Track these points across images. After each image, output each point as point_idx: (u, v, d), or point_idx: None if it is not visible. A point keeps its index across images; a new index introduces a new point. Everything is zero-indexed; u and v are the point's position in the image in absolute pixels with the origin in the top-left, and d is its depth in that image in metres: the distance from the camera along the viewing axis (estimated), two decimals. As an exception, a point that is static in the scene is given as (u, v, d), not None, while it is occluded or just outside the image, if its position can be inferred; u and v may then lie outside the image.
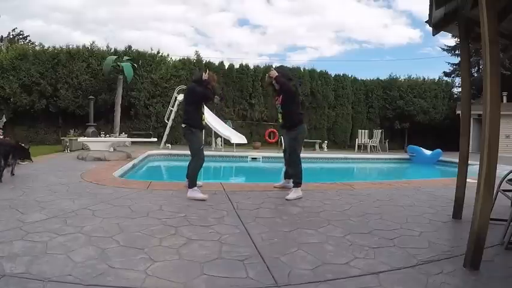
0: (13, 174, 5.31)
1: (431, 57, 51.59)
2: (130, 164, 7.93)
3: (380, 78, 20.17)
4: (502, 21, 3.07)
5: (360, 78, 19.74)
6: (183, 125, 4.52)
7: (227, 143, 13.48)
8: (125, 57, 15.02)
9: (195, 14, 48.67)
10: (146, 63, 16.15)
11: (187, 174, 4.63)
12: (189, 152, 4.57)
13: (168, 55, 17.33)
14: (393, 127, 19.12)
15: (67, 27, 43.98)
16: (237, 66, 17.71)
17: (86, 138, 10.20)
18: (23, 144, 5.81)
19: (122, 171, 6.79)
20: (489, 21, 2.22)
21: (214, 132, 13.34)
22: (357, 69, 65.24)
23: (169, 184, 5.29)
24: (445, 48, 23.75)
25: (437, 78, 20.99)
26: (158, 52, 16.93)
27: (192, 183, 4.28)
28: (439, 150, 11.97)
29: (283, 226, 3.24)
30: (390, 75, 20.34)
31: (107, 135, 11.64)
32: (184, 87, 13.64)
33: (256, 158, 12.15)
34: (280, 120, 4.71)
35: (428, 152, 12.02)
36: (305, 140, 19.79)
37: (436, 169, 11.49)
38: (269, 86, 4.65)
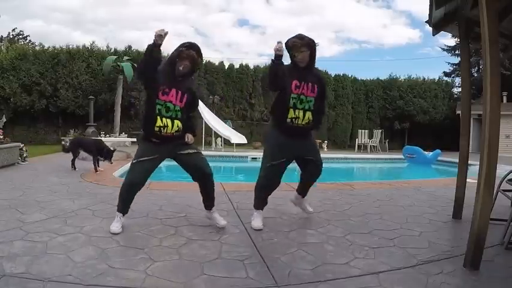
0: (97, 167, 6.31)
1: (431, 57, 51.70)
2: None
3: (380, 78, 20.20)
4: (502, 21, 3.07)
5: (359, 78, 19.77)
6: None
7: (227, 143, 13.49)
8: (125, 57, 15.02)
9: (195, 14, 48.77)
10: (146, 63, 16.13)
11: None
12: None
13: (168, 55, 17.33)
14: (393, 127, 19.13)
15: (67, 27, 44.11)
16: (237, 66, 17.72)
17: (86, 138, 10.19)
18: (111, 148, 6.81)
19: (122, 171, 6.79)
20: (489, 21, 2.22)
21: (214, 132, 13.34)
22: (356, 69, 65.40)
23: (169, 184, 5.29)
24: (445, 48, 23.71)
25: (437, 78, 21.06)
26: (158, 52, 16.93)
27: (120, 206, 3.03)
28: (438, 150, 11.88)
29: (283, 226, 3.23)
30: (390, 75, 20.37)
31: (107, 135, 11.65)
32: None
33: (256, 158, 12.13)
34: (301, 121, 3.04)
35: (428, 153, 11.90)
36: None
37: (436, 169, 11.48)
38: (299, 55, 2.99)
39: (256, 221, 3.13)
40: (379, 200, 4.51)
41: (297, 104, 3.01)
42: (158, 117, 2.79)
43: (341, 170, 11.79)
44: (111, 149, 6.64)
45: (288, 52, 3.02)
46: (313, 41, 3.02)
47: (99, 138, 8.45)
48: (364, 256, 2.52)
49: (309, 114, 3.05)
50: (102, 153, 6.42)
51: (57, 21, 44.22)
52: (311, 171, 3.31)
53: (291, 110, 3.00)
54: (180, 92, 2.85)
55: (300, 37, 3.00)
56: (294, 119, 3.01)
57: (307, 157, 3.20)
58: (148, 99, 2.90)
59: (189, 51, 2.81)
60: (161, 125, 2.80)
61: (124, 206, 2.98)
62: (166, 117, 2.80)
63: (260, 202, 3.26)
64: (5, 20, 42.00)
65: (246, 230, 3.08)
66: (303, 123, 3.04)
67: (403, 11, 50.72)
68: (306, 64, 3.03)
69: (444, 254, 2.57)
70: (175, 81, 2.85)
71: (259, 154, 12.43)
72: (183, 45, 2.83)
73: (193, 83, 3.01)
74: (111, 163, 6.65)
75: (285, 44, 2.96)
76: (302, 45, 2.97)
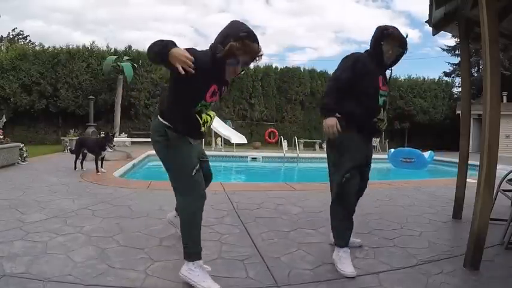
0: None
1: (431, 57, 51.71)
2: (130, 164, 7.94)
3: (380, 78, 20.16)
4: (502, 21, 3.07)
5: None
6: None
7: (227, 143, 13.49)
8: (125, 57, 15.02)
9: (195, 15, 48.86)
10: (146, 63, 16.15)
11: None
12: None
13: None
14: (393, 127, 19.13)
15: (67, 27, 44.17)
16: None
17: (86, 138, 10.18)
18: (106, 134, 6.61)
19: (122, 171, 6.80)
20: (489, 21, 2.22)
21: (214, 132, 13.34)
22: (356, 69, 65.13)
23: (169, 184, 5.30)
24: (445, 48, 23.79)
25: (437, 78, 21.08)
26: (158, 52, 16.95)
27: (191, 251, 2.03)
28: (431, 151, 11.24)
29: (283, 226, 3.23)
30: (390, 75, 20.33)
31: (107, 135, 11.62)
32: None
33: (256, 158, 12.15)
34: (382, 123, 2.51)
35: (426, 155, 11.23)
36: (305, 140, 19.50)
37: (435, 169, 11.45)
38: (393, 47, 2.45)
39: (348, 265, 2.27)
40: (379, 200, 4.51)
41: (384, 103, 2.50)
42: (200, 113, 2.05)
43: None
44: (110, 134, 6.49)
45: (379, 40, 2.47)
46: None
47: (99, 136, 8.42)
48: (364, 256, 2.52)
49: (386, 120, 2.57)
50: (108, 138, 6.17)
51: (58, 22, 44.36)
52: (362, 185, 2.65)
53: (382, 110, 2.46)
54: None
55: (402, 35, 2.48)
56: (380, 121, 2.47)
57: (368, 165, 2.67)
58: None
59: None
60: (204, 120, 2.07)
61: (198, 243, 2.05)
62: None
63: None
64: (5, 20, 42.09)
65: (246, 230, 3.08)
66: (384, 127, 2.55)
67: (403, 11, 50.93)
68: (390, 62, 2.54)
69: (444, 254, 2.57)
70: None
71: (259, 154, 12.47)
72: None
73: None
74: (113, 145, 6.48)
75: (381, 29, 2.47)
76: (403, 41, 2.46)
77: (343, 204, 2.40)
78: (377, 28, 2.51)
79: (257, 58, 1.95)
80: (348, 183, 2.36)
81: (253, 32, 1.89)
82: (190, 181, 2.03)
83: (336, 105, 2.38)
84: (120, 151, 9.42)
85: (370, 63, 2.44)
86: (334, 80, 2.43)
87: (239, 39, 1.83)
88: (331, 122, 2.33)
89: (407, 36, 2.48)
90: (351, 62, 2.42)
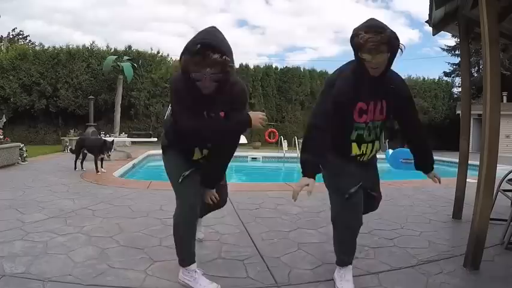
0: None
1: (431, 57, 51.70)
2: (130, 164, 7.95)
3: (380, 78, 20.16)
4: (502, 21, 3.07)
5: (360, 78, 19.74)
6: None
7: (227, 143, 13.47)
8: (125, 57, 15.03)
9: (194, 15, 48.84)
10: (146, 63, 16.19)
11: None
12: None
13: (168, 55, 17.38)
14: (393, 127, 19.12)
15: (68, 27, 44.18)
16: (236, 66, 17.72)
17: (86, 138, 10.18)
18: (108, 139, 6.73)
19: (122, 171, 6.80)
20: (489, 21, 2.22)
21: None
22: (357, 69, 65.20)
23: (169, 184, 5.30)
24: (445, 48, 23.75)
25: (437, 78, 21.05)
26: (158, 52, 17.00)
27: (182, 257, 2.05)
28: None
29: (283, 226, 3.24)
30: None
31: (107, 135, 11.64)
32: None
33: (256, 158, 12.15)
34: (365, 156, 2.05)
35: None
36: (305, 140, 19.65)
37: (436, 169, 11.38)
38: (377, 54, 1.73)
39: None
40: (379, 200, 4.51)
41: (363, 136, 1.97)
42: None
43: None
44: (110, 139, 6.54)
45: (355, 50, 1.80)
46: (396, 37, 1.76)
47: (100, 137, 8.44)
48: (364, 256, 2.52)
49: (377, 145, 2.08)
50: (106, 147, 6.16)
51: (58, 22, 44.38)
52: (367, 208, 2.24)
53: (355, 145, 1.98)
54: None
55: (377, 29, 1.73)
56: (360, 156, 2.03)
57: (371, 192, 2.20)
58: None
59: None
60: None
61: (190, 249, 2.06)
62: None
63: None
64: (5, 20, 42.16)
65: (246, 230, 3.08)
66: (369, 157, 2.09)
67: (403, 12, 50.97)
68: (380, 73, 1.82)
69: (444, 254, 2.57)
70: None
71: (259, 154, 12.46)
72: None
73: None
74: (109, 154, 6.38)
75: (352, 36, 1.79)
76: (381, 44, 1.72)
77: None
78: (353, 31, 1.81)
79: (227, 68, 1.69)
80: (346, 215, 2.01)
81: (211, 43, 1.66)
82: (179, 188, 2.07)
83: (317, 157, 1.90)
84: (120, 151, 9.42)
85: (349, 83, 1.85)
86: (313, 129, 1.89)
87: (193, 53, 1.67)
88: (298, 184, 1.82)
89: (390, 31, 1.74)
90: (326, 91, 1.93)
